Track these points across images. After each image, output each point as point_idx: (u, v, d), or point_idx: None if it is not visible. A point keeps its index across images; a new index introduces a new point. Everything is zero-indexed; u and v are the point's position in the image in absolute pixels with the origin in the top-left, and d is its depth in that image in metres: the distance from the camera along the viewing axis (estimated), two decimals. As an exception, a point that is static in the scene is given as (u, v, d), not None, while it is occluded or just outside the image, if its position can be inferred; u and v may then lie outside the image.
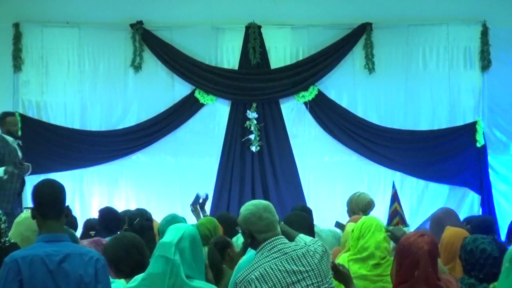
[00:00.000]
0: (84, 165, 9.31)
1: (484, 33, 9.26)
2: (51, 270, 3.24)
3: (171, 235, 3.54)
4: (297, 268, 3.44)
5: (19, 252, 3.38)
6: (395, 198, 7.61)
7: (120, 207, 8.69)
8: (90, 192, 9.28)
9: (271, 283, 3.39)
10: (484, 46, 9.27)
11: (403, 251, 3.65)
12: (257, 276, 3.41)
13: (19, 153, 7.87)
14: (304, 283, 3.42)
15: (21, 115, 9.19)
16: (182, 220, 4.18)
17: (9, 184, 7.59)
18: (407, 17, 9.32)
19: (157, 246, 3.57)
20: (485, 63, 9.27)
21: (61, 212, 3.39)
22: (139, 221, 5.26)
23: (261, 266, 3.44)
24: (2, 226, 4.68)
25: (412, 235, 3.73)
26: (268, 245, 3.50)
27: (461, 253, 3.96)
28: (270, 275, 3.41)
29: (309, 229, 4.45)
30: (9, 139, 7.81)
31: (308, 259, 3.46)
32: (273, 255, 3.47)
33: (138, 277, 3.59)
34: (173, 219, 4.19)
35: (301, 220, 4.47)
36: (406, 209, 8.22)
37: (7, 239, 4.63)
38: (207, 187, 9.11)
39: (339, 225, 7.06)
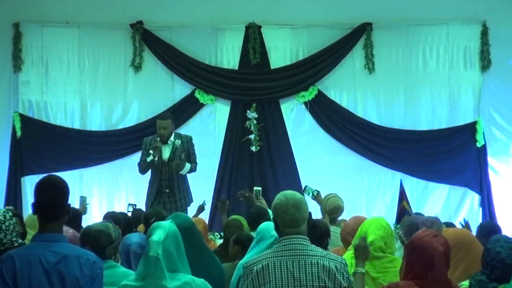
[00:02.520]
0: (84, 165, 9.31)
1: (484, 33, 9.26)
2: (47, 270, 3.22)
3: (157, 234, 3.55)
4: (298, 275, 3.37)
5: (16, 250, 3.37)
6: (402, 196, 7.59)
7: (120, 207, 8.74)
8: (90, 192, 9.27)
9: (268, 279, 3.37)
10: (484, 46, 9.26)
11: (415, 251, 3.55)
12: (258, 269, 3.39)
13: (167, 154, 7.82)
14: None
15: (21, 115, 9.21)
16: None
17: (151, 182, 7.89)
18: (407, 17, 9.32)
19: (148, 246, 3.57)
20: (485, 63, 9.26)
21: (61, 212, 3.36)
22: (155, 220, 5.30)
23: (267, 259, 3.42)
24: (3, 226, 4.68)
25: (425, 234, 3.59)
26: (285, 241, 3.44)
27: (485, 248, 3.97)
28: (271, 271, 3.38)
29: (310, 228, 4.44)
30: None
31: (313, 270, 3.38)
32: (284, 252, 3.42)
33: (131, 277, 3.60)
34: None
35: None
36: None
37: (14, 239, 4.65)
38: (207, 187, 9.13)
39: (306, 190, 7.19)
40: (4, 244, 4.61)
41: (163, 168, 7.82)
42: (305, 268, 3.38)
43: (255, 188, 7.83)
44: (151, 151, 7.69)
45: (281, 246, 3.45)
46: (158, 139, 7.86)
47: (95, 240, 4.13)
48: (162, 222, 3.71)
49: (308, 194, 7.44)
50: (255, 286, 3.39)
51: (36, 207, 3.37)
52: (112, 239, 4.26)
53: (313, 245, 3.50)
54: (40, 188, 3.37)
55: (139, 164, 7.96)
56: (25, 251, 3.31)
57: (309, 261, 3.39)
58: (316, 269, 3.38)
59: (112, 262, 4.25)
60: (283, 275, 3.38)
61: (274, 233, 3.86)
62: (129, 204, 7.88)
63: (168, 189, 7.83)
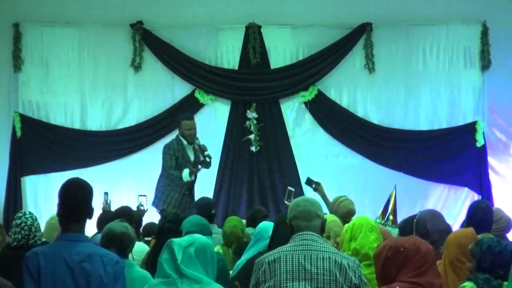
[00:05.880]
0: (84, 165, 9.30)
1: (484, 33, 9.26)
2: (72, 267, 3.27)
3: (183, 240, 3.59)
4: (309, 268, 3.38)
5: (41, 247, 3.43)
6: (390, 199, 7.66)
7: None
8: (90, 192, 9.27)
9: (279, 270, 3.39)
10: (484, 46, 9.27)
11: (408, 253, 3.62)
12: (270, 261, 3.42)
13: (192, 157, 7.89)
14: (309, 284, 3.36)
15: (21, 115, 9.21)
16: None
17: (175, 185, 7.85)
18: (407, 17, 9.32)
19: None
20: (485, 63, 9.26)
21: (84, 214, 3.41)
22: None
23: (279, 252, 3.45)
24: (33, 228, 4.84)
25: (412, 238, 3.71)
26: (298, 237, 3.47)
27: (477, 252, 3.96)
28: (282, 262, 3.40)
29: None
30: (185, 142, 7.86)
31: (325, 264, 3.39)
32: (297, 247, 3.44)
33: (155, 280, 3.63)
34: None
35: None
36: (405, 210, 8.19)
37: (37, 238, 4.79)
38: (207, 187, 9.12)
39: (309, 181, 7.26)
40: (31, 244, 4.77)
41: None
42: (316, 262, 3.40)
43: (288, 188, 7.82)
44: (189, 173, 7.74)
45: (294, 242, 3.48)
46: (185, 142, 7.84)
47: (120, 242, 4.26)
48: (195, 234, 3.75)
49: (310, 185, 7.52)
50: (267, 278, 3.42)
51: (60, 207, 3.42)
52: (132, 239, 4.36)
53: (326, 243, 3.54)
54: (65, 189, 3.43)
55: (169, 173, 7.83)
56: (50, 249, 3.37)
57: (321, 255, 3.41)
58: (327, 264, 3.39)
59: (130, 261, 4.38)
60: (294, 267, 3.39)
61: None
62: (139, 196, 7.98)
63: (188, 190, 7.89)
